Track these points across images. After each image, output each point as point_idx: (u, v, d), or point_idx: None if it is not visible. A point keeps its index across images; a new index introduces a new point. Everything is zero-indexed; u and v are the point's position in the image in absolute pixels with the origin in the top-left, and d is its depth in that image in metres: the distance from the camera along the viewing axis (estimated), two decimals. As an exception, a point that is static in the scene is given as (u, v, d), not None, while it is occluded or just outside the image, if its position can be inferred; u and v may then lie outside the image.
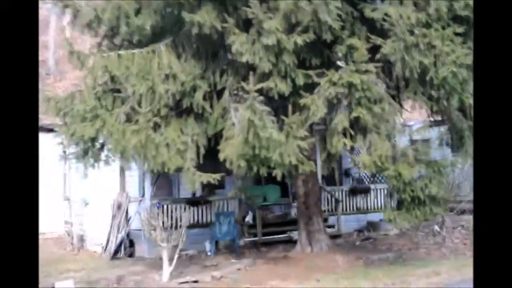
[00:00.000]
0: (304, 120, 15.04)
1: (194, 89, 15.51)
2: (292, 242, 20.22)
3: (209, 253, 19.85)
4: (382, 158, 15.11)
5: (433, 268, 16.19)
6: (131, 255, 20.59)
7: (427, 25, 15.06)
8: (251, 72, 14.65)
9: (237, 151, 14.49)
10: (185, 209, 20.49)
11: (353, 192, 24.12)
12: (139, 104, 15.25)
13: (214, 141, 16.17)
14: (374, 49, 15.30)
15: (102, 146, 16.38)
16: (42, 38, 38.55)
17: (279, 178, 14.91)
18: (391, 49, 14.85)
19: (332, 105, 15.10)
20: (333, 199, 22.58)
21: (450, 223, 21.76)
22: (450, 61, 14.68)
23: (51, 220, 24.09)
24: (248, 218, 21.20)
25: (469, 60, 14.61)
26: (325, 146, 15.59)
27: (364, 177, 25.60)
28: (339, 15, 15.04)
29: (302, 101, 14.94)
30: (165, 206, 20.51)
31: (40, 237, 19.29)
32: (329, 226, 22.10)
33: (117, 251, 20.19)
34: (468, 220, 21.59)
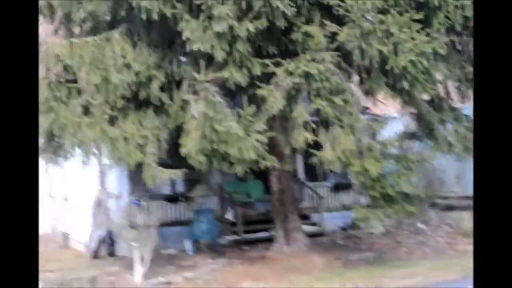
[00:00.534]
0: (263, 112, 14.00)
1: (150, 79, 14.55)
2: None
3: (189, 253, 18.83)
4: (347, 153, 14.13)
5: (412, 269, 15.34)
6: (112, 254, 19.48)
7: (384, 11, 14.20)
8: (201, 61, 13.75)
9: (196, 146, 13.63)
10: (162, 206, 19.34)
11: (337, 188, 22.86)
12: (95, 95, 14.19)
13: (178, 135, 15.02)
14: (334, 37, 14.47)
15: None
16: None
17: (239, 174, 13.93)
18: (348, 37, 13.90)
19: (291, 97, 13.90)
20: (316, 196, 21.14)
21: (436, 220, 20.50)
22: (408, 49, 13.67)
23: (36, 217, 23.02)
24: (229, 216, 20.10)
25: (429, 48, 13.68)
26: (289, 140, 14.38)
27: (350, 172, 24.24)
28: (294, 1, 14.24)
29: (259, 92, 13.93)
30: (143, 203, 19.21)
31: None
32: (313, 224, 21.14)
33: (97, 250, 19.11)
34: (454, 217, 20.73)
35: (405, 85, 14.28)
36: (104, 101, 14.30)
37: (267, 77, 14.17)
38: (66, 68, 14.70)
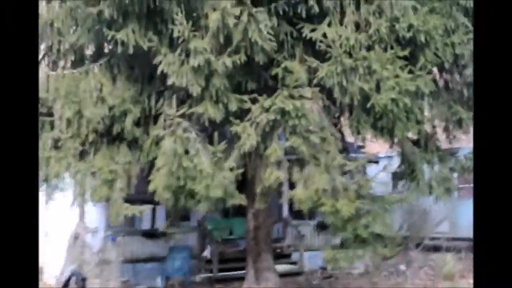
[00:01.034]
0: (235, 149, 13.22)
1: (124, 114, 13.81)
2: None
3: (162, 288, 17.65)
4: (319, 193, 13.26)
5: None
6: (82, 289, 18.30)
7: (368, 47, 13.54)
8: (173, 96, 12.97)
9: (162, 182, 12.91)
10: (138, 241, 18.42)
11: (321, 226, 21.71)
12: (66, 129, 13.40)
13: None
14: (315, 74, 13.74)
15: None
16: None
17: (203, 212, 13.07)
18: (328, 73, 13.03)
19: (266, 134, 13.08)
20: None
21: (419, 262, 19.64)
22: (389, 87, 12.86)
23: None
24: (206, 253, 19.33)
25: (413, 86, 12.86)
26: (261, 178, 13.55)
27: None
28: (276, 36, 13.49)
29: (233, 129, 13.08)
30: (119, 238, 18.31)
31: None
32: (292, 263, 20.16)
33: (67, 284, 18.13)
34: (436, 258, 19.60)
35: (386, 123, 13.22)
36: (75, 135, 13.59)
37: (243, 113, 13.40)
38: (41, 101, 13.69)
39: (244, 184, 14.13)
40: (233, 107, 13.50)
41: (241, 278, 18.22)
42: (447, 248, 21.17)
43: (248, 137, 13.17)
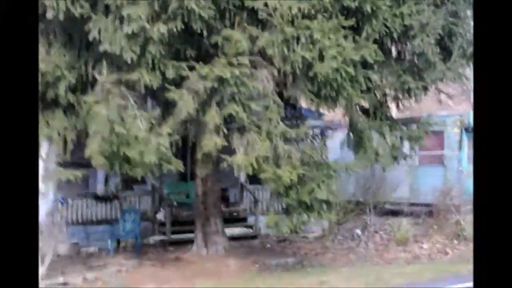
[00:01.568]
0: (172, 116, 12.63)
1: (58, 80, 13.16)
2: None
3: (111, 251, 17.18)
4: (260, 160, 12.74)
5: (324, 276, 14.22)
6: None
7: (311, 17, 12.92)
8: (105, 62, 12.32)
9: (96, 148, 12.48)
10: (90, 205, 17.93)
11: (277, 192, 21.14)
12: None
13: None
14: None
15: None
16: None
17: (139, 178, 12.51)
18: (269, 42, 12.42)
19: (204, 101, 12.50)
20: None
21: (377, 226, 19.27)
22: (331, 56, 12.26)
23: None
24: (160, 216, 18.80)
25: (357, 55, 12.27)
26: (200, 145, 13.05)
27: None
28: (217, 3, 12.94)
29: (168, 95, 12.50)
30: (70, 202, 17.81)
31: None
32: (248, 226, 19.79)
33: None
34: (393, 223, 19.62)
35: (330, 92, 12.67)
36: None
37: (182, 81, 12.68)
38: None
39: (186, 150, 13.27)
40: (170, 74, 12.83)
41: (193, 241, 17.91)
42: (406, 213, 20.91)
43: (185, 104, 12.51)
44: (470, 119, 21.18)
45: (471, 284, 6.49)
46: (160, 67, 12.82)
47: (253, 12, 13.29)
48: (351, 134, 15.36)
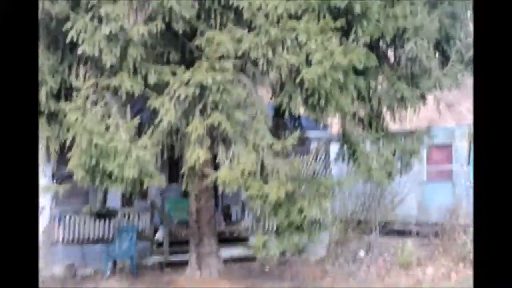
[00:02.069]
0: (154, 125, 11.97)
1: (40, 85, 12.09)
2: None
3: (108, 273, 16.32)
4: (245, 174, 11.73)
5: None
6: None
7: (298, 18, 11.98)
8: (81, 67, 11.59)
9: (75, 160, 11.63)
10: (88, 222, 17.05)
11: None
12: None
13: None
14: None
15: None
16: None
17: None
18: (252, 44, 11.51)
19: (186, 109, 11.61)
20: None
21: (382, 247, 18.16)
22: (317, 61, 11.27)
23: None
24: (158, 235, 17.79)
25: (345, 60, 11.25)
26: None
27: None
28: (201, 3, 12.26)
29: (150, 103, 11.63)
30: (67, 218, 16.94)
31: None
32: (249, 247, 18.48)
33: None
34: (399, 244, 18.28)
35: (318, 100, 11.71)
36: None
37: (164, 87, 11.73)
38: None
39: (173, 163, 12.41)
40: (152, 79, 11.96)
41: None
42: (413, 233, 19.72)
43: (167, 112, 11.64)
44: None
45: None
46: (142, 71, 11.94)
47: (238, 12, 12.41)
48: (344, 146, 14.16)
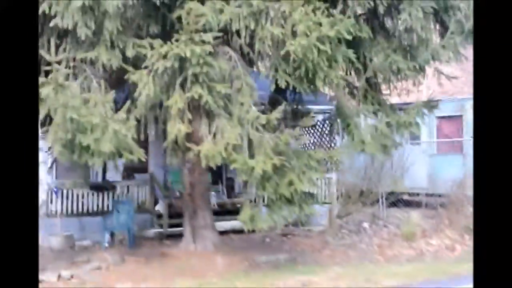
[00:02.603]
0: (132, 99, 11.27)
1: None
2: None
3: (106, 245, 15.92)
4: (229, 148, 11.15)
5: (313, 275, 12.83)
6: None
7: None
8: (52, 40, 11.03)
9: (52, 135, 11.22)
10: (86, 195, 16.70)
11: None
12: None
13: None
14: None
15: None
16: None
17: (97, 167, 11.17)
18: (233, 16, 10.85)
19: (166, 83, 11.05)
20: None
21: (387, 218, 17.57)
22: (301, 32, 10.59)
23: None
24: (158, 207, 17.38)
25: (332, 31, 10.57)
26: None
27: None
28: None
29: (128, 76, 11.10)
30: (64, 191, 16.57)
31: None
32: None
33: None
34: (405, 216, 17.82)
35: (305, 73, 11.06)
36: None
37: (142, 60, 11.21)
38: None
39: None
40: (130, 53, 11.36)
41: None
42: (422, 204, 19.24)
43: (145, 86, 11.08)
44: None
45: (470, 285, 6.21)
46: (119, 44, 11.34)
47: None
48: (338, 119, 13.50)
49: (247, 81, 11.86)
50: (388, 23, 13.48)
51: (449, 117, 18.31)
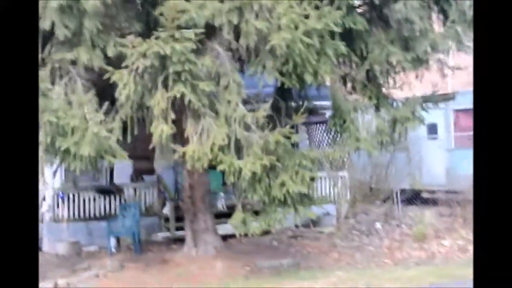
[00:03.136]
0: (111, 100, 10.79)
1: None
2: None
3: (113, 250, 15.65)
4: (216, 149, 10.59)
5: (314, 281, 12.23)
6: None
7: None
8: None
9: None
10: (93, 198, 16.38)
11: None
12: None
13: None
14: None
15: None
16: None
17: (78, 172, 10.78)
18: (215, 11, 10.30)
19: (147, 83, 10.54)
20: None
21: (402, 217, 16.84)
22: (284, 25, 9.99)
23: None
24: (166, 210, 16.87)
25: (319, 24, 9.97)
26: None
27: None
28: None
29: (108, 76, 10.67)
30: (71, 196, 16.23)
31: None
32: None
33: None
34: (420, 214, 16.92)
35: (293, 68, 10.45)
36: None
37: (124, 59, 10.68)
38: None
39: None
40: (111, 52, 10.91)
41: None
42: (439, 202, 18.17)
43: (125, 86, 10.58)
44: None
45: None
46: (100, 44, 10.86)
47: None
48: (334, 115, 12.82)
49: (234, 78, 11.29)
50: (385, 14, 12.66)
51: (466, 110, 17.43)
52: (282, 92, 13.63)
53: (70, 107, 10.85)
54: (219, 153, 11.04)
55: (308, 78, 11.02)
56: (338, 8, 10.97)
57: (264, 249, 15.85)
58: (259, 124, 11.23)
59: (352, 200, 17.44)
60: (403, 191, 18.57)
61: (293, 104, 14.04)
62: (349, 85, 13.43)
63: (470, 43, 12.35)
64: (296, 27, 10.52)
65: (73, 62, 11.34)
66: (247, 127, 11.24)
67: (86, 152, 10.54)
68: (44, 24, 10.69)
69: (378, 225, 17.04)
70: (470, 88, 18.88)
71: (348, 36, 11.76)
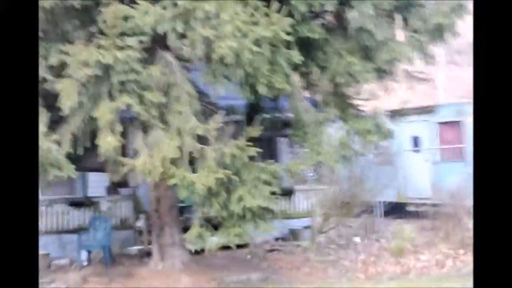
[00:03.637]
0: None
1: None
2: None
3: (84, 263, 15.19)
4: (167, 162, 9.97)
5: None
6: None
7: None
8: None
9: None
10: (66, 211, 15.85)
11: (287, 193, 18.05)
12: None
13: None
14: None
15: None
16: None
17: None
18: (158, 17, 9.70)
19: (91, 93, 9.96)
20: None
21: (384, 232, 16.16)
22: (229, 33, 9.36)
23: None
24: (140, 223, 16.25)
25: (268, 32, 9.35)
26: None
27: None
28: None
29: (56, 87, 10.13)
30: (43, 208, 15.73)
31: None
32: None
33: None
34: (401, 228, 16.23)
35: (245, 77, 9.84)
36: None
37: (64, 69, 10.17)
38: None
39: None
40: (53, 60, 10.33)
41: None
42: (423, 215, 17.72)
43: (68, 96, 9.98)
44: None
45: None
46: (42, 52, 10.28)
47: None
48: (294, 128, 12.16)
49: (185, 89, 10.63)
50: (343, 23, 11.97)
51: (451, 122, 16.86)
52: (254, 105, 12.99)
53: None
54: (171, 166, 10.40)
55: (262, 89, 10.35)
56: (290, 15, 10.27)
57: (236, 263, 15.18)
58: (212, 136, 10.59)
59: (327, 214, 16.67)
60: (388, 204, 17.87)
61: (268, 116, 13.34)
62: (311, 96, 12.71)
63: (432, 53, 11.70)
64: (245, 35, 9.83)
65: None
66: (202, 140, 10.61)
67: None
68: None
69: (357, 239, 16.31)
70: (456, 101, 18.32)
71: (305, 45, 11.09)
